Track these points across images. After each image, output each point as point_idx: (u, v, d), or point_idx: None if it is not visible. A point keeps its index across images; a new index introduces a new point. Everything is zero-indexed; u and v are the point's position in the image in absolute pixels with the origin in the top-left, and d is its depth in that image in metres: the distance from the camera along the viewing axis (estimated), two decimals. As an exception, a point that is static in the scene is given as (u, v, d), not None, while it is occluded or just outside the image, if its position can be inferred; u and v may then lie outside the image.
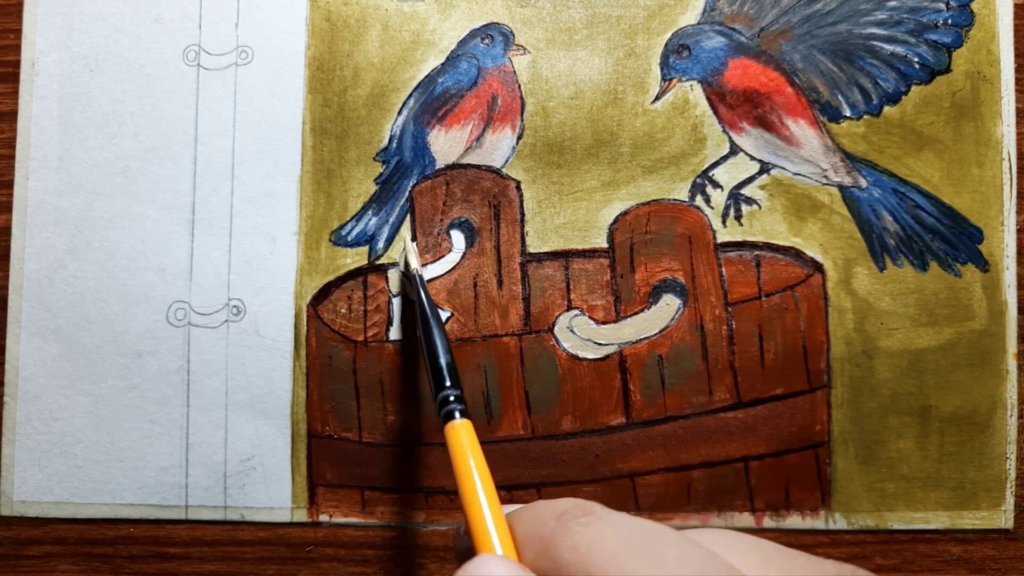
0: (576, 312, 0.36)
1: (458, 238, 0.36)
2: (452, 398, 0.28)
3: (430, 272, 0.36)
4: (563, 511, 0.19)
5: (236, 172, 0.37)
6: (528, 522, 0.20)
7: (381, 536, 0.36)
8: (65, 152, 0.37)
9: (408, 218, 0.37)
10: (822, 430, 0.35)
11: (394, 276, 0.36)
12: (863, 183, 0.36)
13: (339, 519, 0.36)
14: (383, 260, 0.36)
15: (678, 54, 0.36)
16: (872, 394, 0.35)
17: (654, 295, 0.36)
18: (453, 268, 0.36)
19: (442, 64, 0.37)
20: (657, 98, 0.36)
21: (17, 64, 0.37)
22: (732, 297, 0.36)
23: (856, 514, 0.35)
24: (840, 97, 0.36)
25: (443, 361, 0.30)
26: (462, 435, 0.26)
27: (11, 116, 0.37)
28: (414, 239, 0.36)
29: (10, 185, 0.37)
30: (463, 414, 0.27)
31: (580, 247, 0.36)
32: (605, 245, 0.36)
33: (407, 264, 0.35)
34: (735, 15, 0.36)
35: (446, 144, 0.37)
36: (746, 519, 0.35)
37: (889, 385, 0.35)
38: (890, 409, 0.35)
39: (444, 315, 0.36)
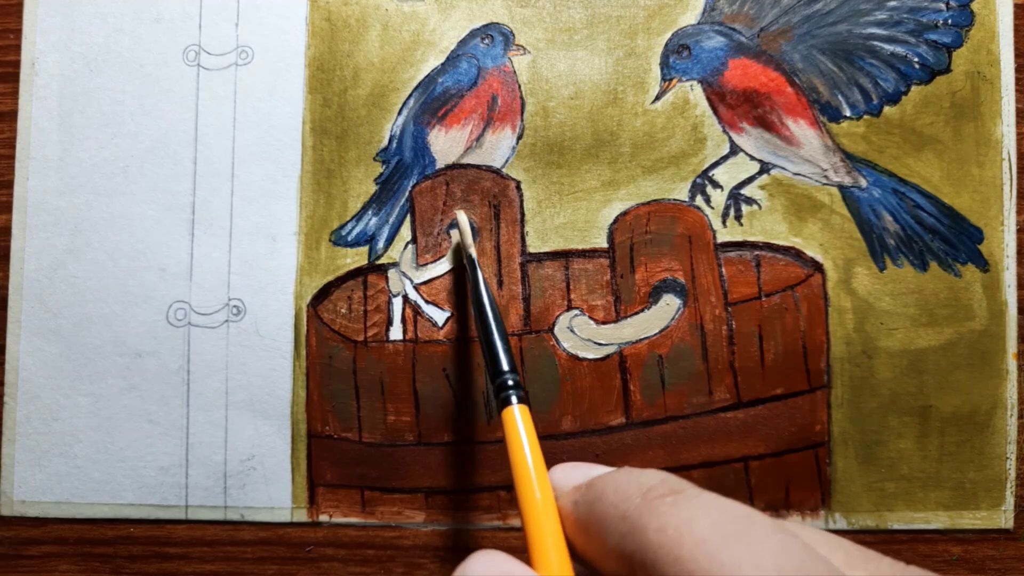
0: (576, 312, 0.36)
1: (458, 238, 0.36)
2: (511, 383, 0.27)
3: (430, 272, 0.36)
4: (649, 487, 0.18)
5: (236, 172, 0.37)
6: (611, 499, 0.19)
7: (381, 536, 0.36)
8: (65, 152, 0.37)
9: (408, 218, 0.37)
10: (822, 430, 0.35)
11: (394, 276, 0.36)
12: (863, 183, 0.36)
13: (339, 519, 0.36)
14: (383, 260, 0.36)
15: (678, 54, 0.36)
16: (872, 394, 0.35)
17: (654, 295, 0.36)
18: (453, 268, 0.36)
19: (442, 64, 0.37)
20: (657, 98, 0.36)
21: (17, 64, 0.37)
22: (732, 297, 0.36)
23: (856, 514, 0.35)
24: (840, 97, 0.36)
25: (500, 346, 0.29)
26: (518, 420, 0.25)
27: (11, 116, 0.37)
28: (413, 240, 0.36)
29: (10, 185, 0.37)
30: (521, 400, 0.26)
31: (580, 247, 0.36)
32: (605, 245, 0.36)
33: (460, 244, 0.35)
34: (735, 15, 0.36)
35: (446, 144, 0.37)
36: (746, 519, 0.35)
37: (889, 385, 0.35)
38: (890, 409, 0.35)
39: (444, 315, 0.36)
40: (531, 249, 0.36)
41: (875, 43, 0.36)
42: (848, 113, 0.36)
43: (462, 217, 0.35)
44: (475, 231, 0.36)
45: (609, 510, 0.18)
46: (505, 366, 0.28)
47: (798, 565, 0.16)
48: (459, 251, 0.36)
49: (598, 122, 0.36)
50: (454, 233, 0.36)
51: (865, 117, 0.36)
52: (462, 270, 0.36)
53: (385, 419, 0.36)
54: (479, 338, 0.30)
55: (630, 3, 0.37)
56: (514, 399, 0.26)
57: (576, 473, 0.22)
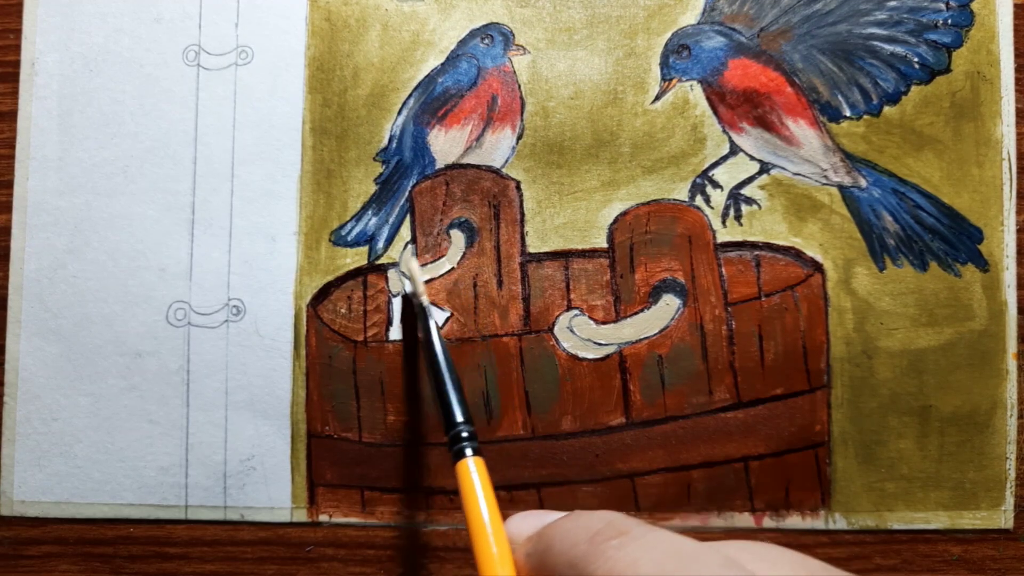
0: (576, 312, 0.36)
1: (458, 238, 0.36)
2: (465, 434, 0.27)
3: (429, 272, 0.36)
4: (595, 532, 0.18)
5: (236, 172, 0.37)
6: (559, 547, 0.19)
7: (381, 536, 0.36)
8: (65, 152, 0.37)
9: (408, 218, 0.37)
10: (822, 430, 0.35)
11: (394, 276, 0.36)
12: (863, 183, 0.36)
13: (339, 519, 0.36)
14: (383, 260, 0.36)
15: (678, 54, 0.36)
16: (872, 394, 0.35)
17: (654, 295, 0.36)
18: (453, 268, 0.36)
19: (442, 64, 0.37)
20: (657, 98, 0.36)
21: (17, 64, 0.37)
22: (732, 297, 0.36)
23: (856, 514, 0.35)
24: (840, 97, 0.36)
25: (453, 396, 0.29)
26: (472, 474, 0.26)
27: (11, 116, 0.37)
28: (413, 240, 0.36)
29: (10, 185, 0.37)
30: (476, 452, 0.27)
31: (580, 247, 0.36)
32: (605, 245, 0.36)
33: (411, 290, 0.35)
34: (735, 15, 0.36)
35: (446, 144, 0.37)
36: (746, 519, 0.35)
37: (889, 385, 0.35)
38: (890, 409, 0.35)
39: (444, 315, 0.36)
40: (531, 249, 0.36)
41: (875, 43, 0.36)
42: (848, 113, 0.36)
43: (413, 264, 0.35)
44: (475, 232, 0.36)
45: (559, 559, 0.19)
46: (459, 417, 0.28)
47: None
48: (411, 296, 0.35)
49: (598, 122, 0.36)
50: (411, 263, 0.35)
51: (865, 117, 0.36)
52: (463, 270, 0.36)
53: (385, 419, 0.36)
54: (431, 387, 0.30)
55: (630, 3, 0.37)
56: (468, 451, 0.27)
57: (529, 522, 0.22)
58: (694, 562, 0.16)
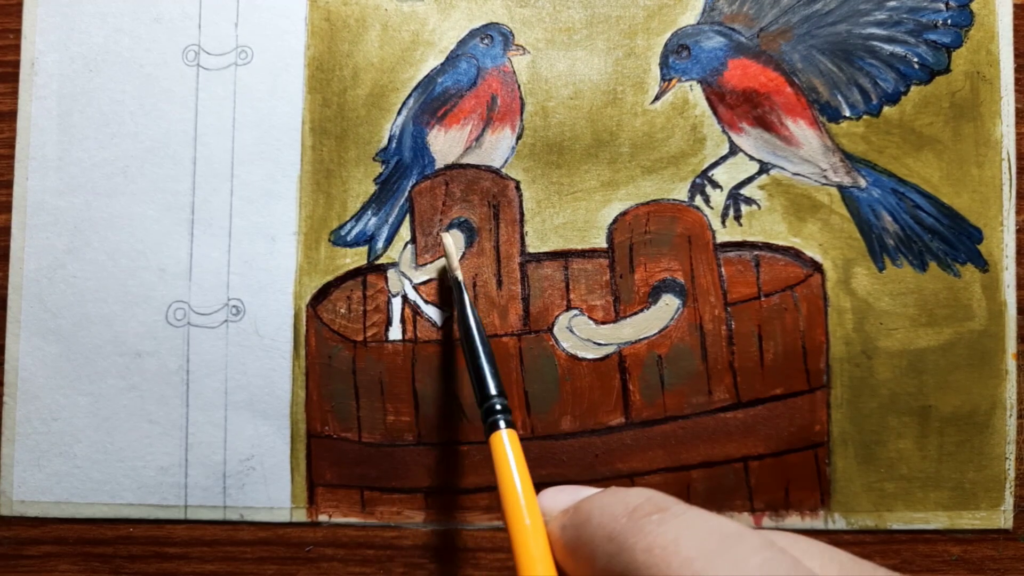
0: (575, 312, 0.36)
1: (457, 238, 0.36)
2: (499, 407, 0.27)
3: (428, 272, 0.36)
4: (635, 507, 0.18)
5: (236, 172, 0.37)
6: (598, 520, 0.19)
7: (381, 536, 0.36)
8: (65, 152, 0.37)
9: (407, 218, 0.37)
10: (821, 430, 0.35)
11: (393, 276, 0.36)
12: (862, 183, 0.36)
13: (339, 519, 0.36)
14: (382, 260, 0.36)
15: (678, 54, 0.36)
16: (872, 394, 0.35)
17: (653, 295, 0.36)
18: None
19: (442, 64, 0.37)
20: (657, 98, 0.36)
21: (17, 64, 0.37)
22: (732, 297, 0.36)
23: (855, 514, 0.35)
24: (840, 97, 0.36)
25: (487, 370, 0.29)
26: (506, 445, 0.26)
27: (11, 116, 0.37)
28: (413, 240, 0.36)
29: (10, 185, 0.37)
30: (508, 424, 0.27)
31: (579, 247, 0.36)
32: (604, 245, 0.36)
33: (446, 265, 0.35)
34: (735, 15, 0.36)
35: (445, 144, 0.37)
36: (745, 519, 0.35)
37: (889, 385, 0.35)
38: (890, 409, 0.35)
39: (441, 315, 0.36)
40: (530, 249, 0.36)
41: (875, 43, 0.36)
42: (847, 113, 0.36)
43: (447, 240, 0.35)
44: (474, 232, 0.36)
45: (596, 532, 0.18)
46: (492, 390, 0.28)
47: None
48: (446, 270, 0.36)
49: (597, 122, 0.36)
50: (445, 238, 0.36)
51: (864, 117, 0.36)
52: (462, 270, 0.36)
53: (384, 419, 0.36)
54: (466, 361, 0.30)
55: (630, 3, 0.37)
56: (502, 424, 0.26)
57: (564, 497, 0.22)
58: (735, 541, 0.16)
